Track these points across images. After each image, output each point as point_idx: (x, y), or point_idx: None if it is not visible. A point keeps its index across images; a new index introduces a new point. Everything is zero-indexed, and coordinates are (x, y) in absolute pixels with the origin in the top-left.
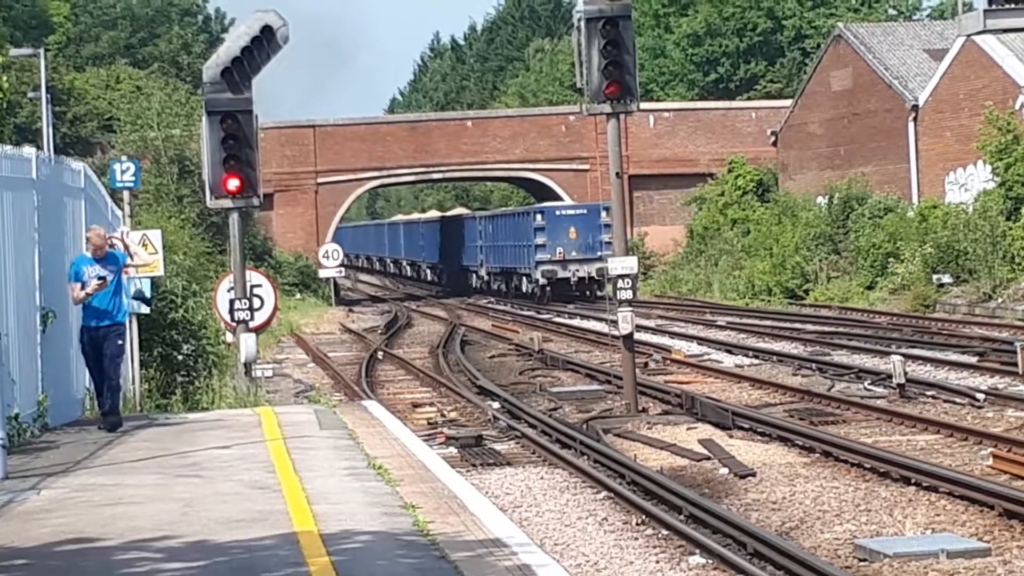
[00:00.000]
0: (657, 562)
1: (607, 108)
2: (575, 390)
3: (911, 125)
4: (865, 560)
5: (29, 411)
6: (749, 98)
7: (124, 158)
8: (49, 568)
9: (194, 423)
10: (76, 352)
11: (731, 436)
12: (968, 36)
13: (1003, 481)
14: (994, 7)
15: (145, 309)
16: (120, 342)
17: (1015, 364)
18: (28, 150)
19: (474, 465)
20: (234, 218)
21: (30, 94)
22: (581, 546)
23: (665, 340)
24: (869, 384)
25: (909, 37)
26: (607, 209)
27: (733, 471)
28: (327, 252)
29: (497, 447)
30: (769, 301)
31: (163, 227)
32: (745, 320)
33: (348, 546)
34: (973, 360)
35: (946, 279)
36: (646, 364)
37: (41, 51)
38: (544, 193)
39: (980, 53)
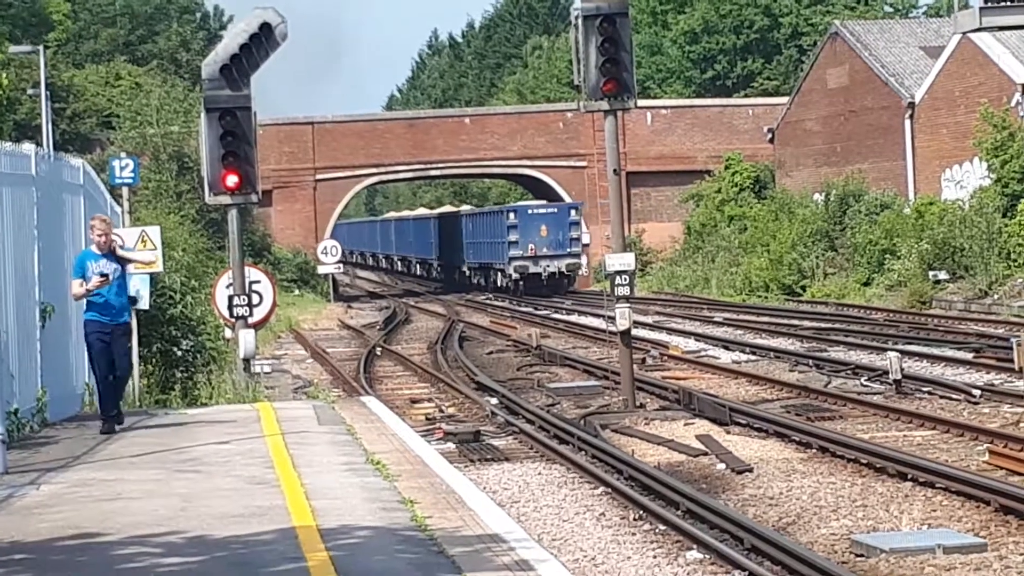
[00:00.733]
0: (654, 557)
1: (604, 105)
2: (573, 386)
3: (907, 122)
4: (862, 555)
5: (28, 406)
6: (746, 95)
7: (123, 155)
8: (49, 563)
9: (193, 419)
10: (75, 347)
11: (728, 432)
12: (964, 34)
13: (999, 477)
14: (990, 5)
15: (143, 304)
16: (128, 343)
17: (1011, 360)
18: (27, 147)
19: (472, 460)
20: (233, 214)
21: (29, 91)
22: (579, 541)
23: (662, 336)
24: (866, 380)
25: (905, 34)
26: (576, 208)
27: (730, 467)
28: (326, 248)
29: (495, 443)
30: (766, 297)
31: (162, 223)
32: (742, 316)
33: (346, 541)
34: (969, 356)
35: (942, 276)
36: (644, 360)
37: (40, 48)
38: (542, 190)
39: (976, 51)
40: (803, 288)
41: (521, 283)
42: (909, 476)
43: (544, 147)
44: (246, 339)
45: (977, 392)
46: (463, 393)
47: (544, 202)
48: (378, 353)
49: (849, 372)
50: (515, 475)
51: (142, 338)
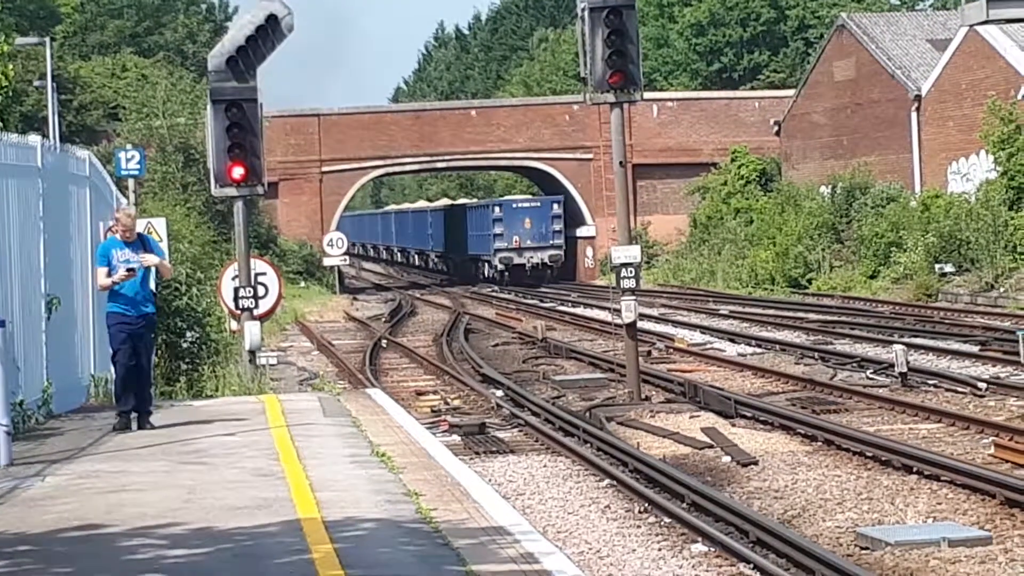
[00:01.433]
0: (659, 550)
1: (611, 97)
2: (578, 378)
3: (914, 115)
4: (867, 548)
5: (34, 398)
6: (752, 88)
7: (129, 146)
8: (53, 554)
9: (198, 410)
10: (81, 339)
11: (734, 424)
12: (971, 26)
13: (1004, 470)
14: None
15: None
16: (151, 334)
17: (1017, 353)
18: (33, 138)
19: (477, 453)
20: (239, 206)
21: (36, 83)
22: (584, 534)
23: (668, 329)
24: (871, 373)
25: (912, 27)
26: (558, 202)
27: (736, 459)
28: (331, 240)
29: (500, 435)
30: (772, 290)
31: (168, 215)
32: (748, 309)
33: (351, 533)
34: (975, 349)
35: (948, 268)
36: (649, 352)
37: (47, 40)
38: (548, 182)
39: (983, 43)
40: (809, 281)
41: (506, 273)
42: (914, 469)
43: (550, 139)
44: (251, 331)
45: (983, 385)
46: (468, 385)
47: (528, 196)
48: (384, 345)
49: (855, 365)
50: (520, 467)
51: None
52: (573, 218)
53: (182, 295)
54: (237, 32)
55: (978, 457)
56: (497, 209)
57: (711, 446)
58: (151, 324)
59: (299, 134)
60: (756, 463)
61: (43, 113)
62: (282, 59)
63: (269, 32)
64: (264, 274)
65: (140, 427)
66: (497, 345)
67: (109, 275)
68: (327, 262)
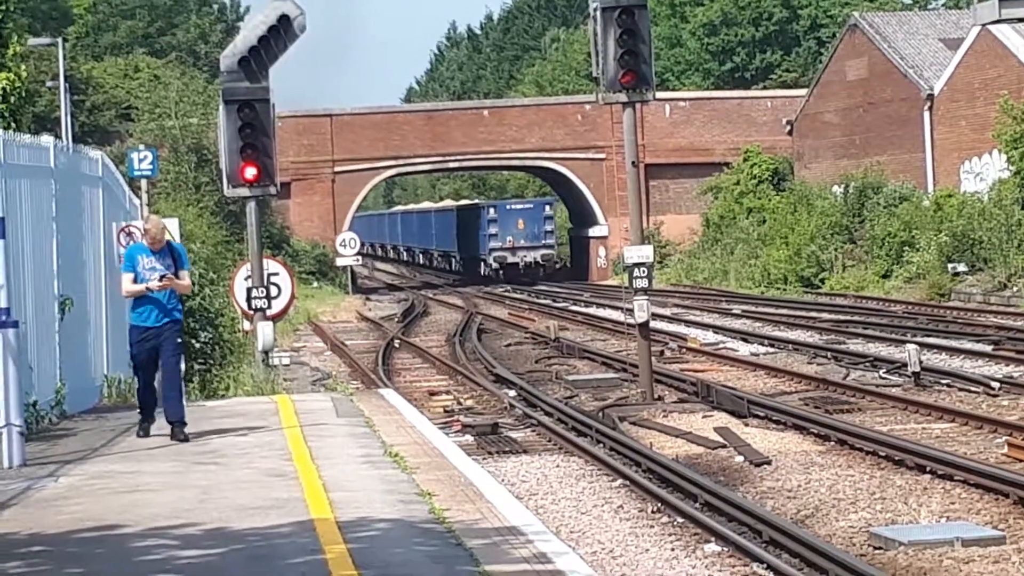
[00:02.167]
0: (672, 550)
1: (623, 97)
2: (591, 378)
3: (926, 114)
4: (880, 548)
5: (47, 398)
6: (765, 87)
7: (142, 147)
8: (67, 555)
9: (211, 411)
10: (94, 339)
11: (746, 424)
12: (983, 25)
13: (1018, 469)
14: None
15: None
16: (179, 340)
17: None
18: (46, 139)
19: (490, 453)
20: (251, 207)
21: (49, 84)
22: (597, 534)
23: (681, 328)
24: (884, 372)
25: (924, 26)
26: (549, 204)
27: (748, 459)
28: (344, 240)
29: (513, 435)
30: (785, 290)
31: (181, 216)
32: (761, 309)
33: (365, 533)
34: (988, 349)
35: (961, 268)
36: (662, 352)
37: (60, 41)
38: (560, 182)
39: (995, 42)
40: (822, 280)
41: (501, 272)
42: (928, 469)
43: (562, 139)
44: (264, 331)
45: (996, 384)
46: (481, 385)
47: (521, 198)
48: (396, 345)
49: (868, 364)
50: (533, 468)
51: None
52: (585, 218)
53: (195, 295)
54: (249, 32)
55: (991, 456)
56: (492, 210)
57: (724, 446)
58: (177, 329)
59: (311, 134)
60: (769, 463)
61: (56, 114)
62: (293, 59)
63: (281, 32)
64: (277, 274)
65: (174, 438)
66: (510, 345)
67: (135, 281)
68: (340, 262)
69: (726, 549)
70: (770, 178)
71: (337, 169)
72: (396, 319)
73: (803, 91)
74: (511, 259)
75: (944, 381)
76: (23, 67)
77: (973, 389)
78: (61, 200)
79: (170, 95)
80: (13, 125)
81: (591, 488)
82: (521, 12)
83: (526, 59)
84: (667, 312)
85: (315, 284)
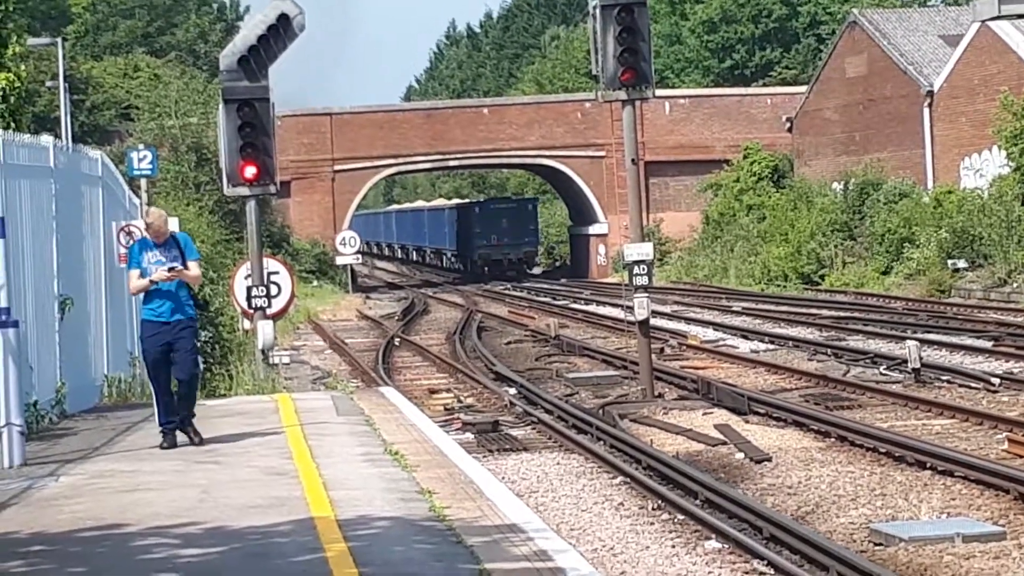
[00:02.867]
0: (673, 547)
1: (622, 95)
2: (591, 376)
3: (926, 111)
4: (881, 544)
5: (47, 398)
6: (764, 84)
7: (141, 146)
8: (68, 554)
9: (211, 410)
10: (94, 339)
11: (747, 421)
12: (983, 22)
13: (1018, 465)
14: None
15: None
16: (193, 339)
17: None
18: (46, 139)
19: (490, 451)
20: (251, 206)
21: (48, 83)
22: (597, 531)
23: (681, 326)
24: (884, 369)
25: (924, 23)
26: (533, 203)
27: (749, 456)
28: (344, 239)
29: (513, 433)
30: (785, 287)
31: (181, 215)
32: (761, 306)
33: (365, 532)
34: (988, 345)
35: (961, 264)
36: (662, 350)
37: (59, 41)
38: (560, 180)
39: (995, 39)
40: (822, 277)
41: (486, 268)
42: (928, 465)
43: (562, 137)
44: (264, 330)
45: (996, 380)
46: (481, 383)
47: (507, 197)
48: (396, 343)
49: (868, 361)
50: (533, 465)
51: None
52: (585, 216)
53: (195, 294)
54: (249, 31)
55: (992, 452)
56: (478, 209)
57: (724, 443)
58: (192, 328)
59: (311, 133)
60: (769, 459)
61: (56, 113)
62: (293, 59)
63: (281, 31)
64: (277, 273)
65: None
66: (510, 343)
67: (141, 277)
68: (340, 261)
69: (727, 546)
70: (770, 175)
71: (337, 168)
72: (396, 317)
73: (803, 88)
74: (496, 256)
75: (944, 377)
76: (23, 67)
77: (973, 385)
78: (61, 200)
79: (170, 94)
80: (13, 125)
81: (591, 485)
82: (521, 10)
83: (526, 57)
84: (667, 309)
85: (315, 283)
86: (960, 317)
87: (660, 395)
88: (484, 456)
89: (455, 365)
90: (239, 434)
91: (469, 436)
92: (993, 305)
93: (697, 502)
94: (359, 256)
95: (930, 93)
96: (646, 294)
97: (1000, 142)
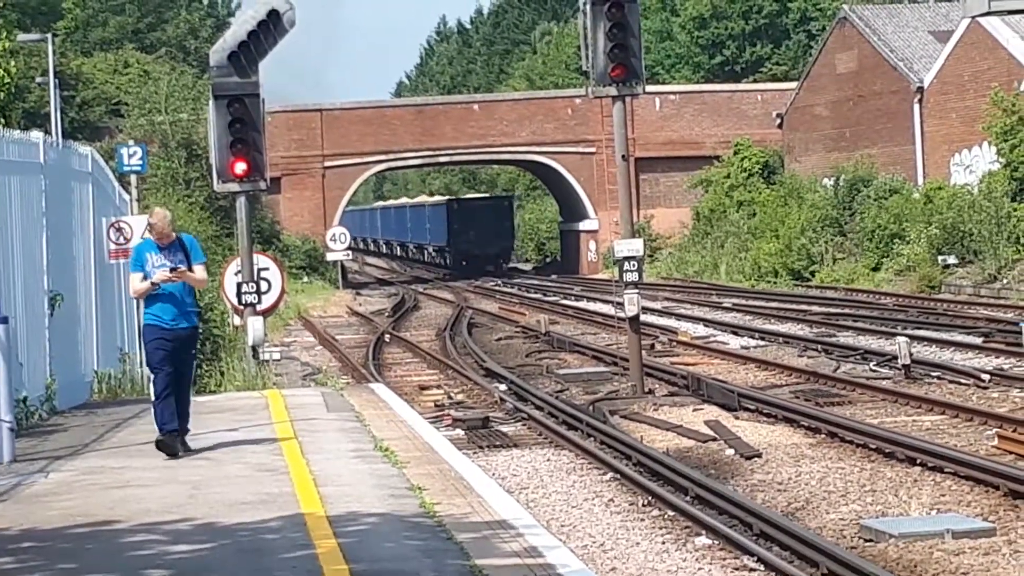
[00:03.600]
0: (663, 543)
1: (613, 91)
2: (581, 372)
3: (916, 107)
4: (871, 540)
5: (37, 394)
6: (755, 80)
7: (131, 142)
8: (57, 551)
9: (202, 406)
10: (84, 335)
11: (737, 417)
12: (973, 18)
13: (1008, 461)
14: None
15: None
16: (193, 350)
17: (1020, 345)
18: (36, 135)
19: (481, 447)
20: (241, 202)
21: (38, 79)
22: (587, 527)
23: (671, 322)
24: (875, 365)
25: (914, 19)
26: (508, 200)
27: (739, 452)
28: (334, 235)
29: (504, 429)
30: (775, 283)
31: (171, 211)
32: (751, 302)
33: (355, 528)
34: (978, 341)
35: (951, 260)
36: (652, 346)
37: (49, 36)
38: (550, 176)
39: (985, 35)
40: (812, 273)
41: (464, 263)
42: (918, 461)
43: (553, 133)
44: (254, 326)
45: (986, 377)
46: (472, 380)
47: (484, 195)
48: (387, 340)
49: (858, 357)
50: (524, 461)
51: None
52: (575, 212)
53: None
54: (239, 27)
55: (982, 449)
56: (456, 207)
57: (715, 439)
58: (194, 337)
59: (301, 129)
60: (760, 456)
61: (45, 110)
62: (283, 54)
63: (271, 27)
64: (267, 269)
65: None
66: (500, 339)
67: (144, 280)
68: (330, 257)
69: (717, 542)
70: (760, 171)
71: (327, 164)
72: (387, 314)
73: (793, 84)
74: (474, 251)
75: (934, 373)
76: (12, 63)
77: (963, 381)
78: (51, 196)
79: (160, 90)
80: (2, 121)
81: (582, 482)
82: (511, 6)
83: (516, 53)
84: (657, 306)
85: (305, 279)
86: (950, 313)
87: (650, 391)
88: (474, 452)
89: (445, 361)
90: (229, 430)
91: (459, 432)
92: (983, 301)
93: (687, 498)
94: (349, 252)
95: (920, 89)
96: (636, 290)
97: (990, 138)
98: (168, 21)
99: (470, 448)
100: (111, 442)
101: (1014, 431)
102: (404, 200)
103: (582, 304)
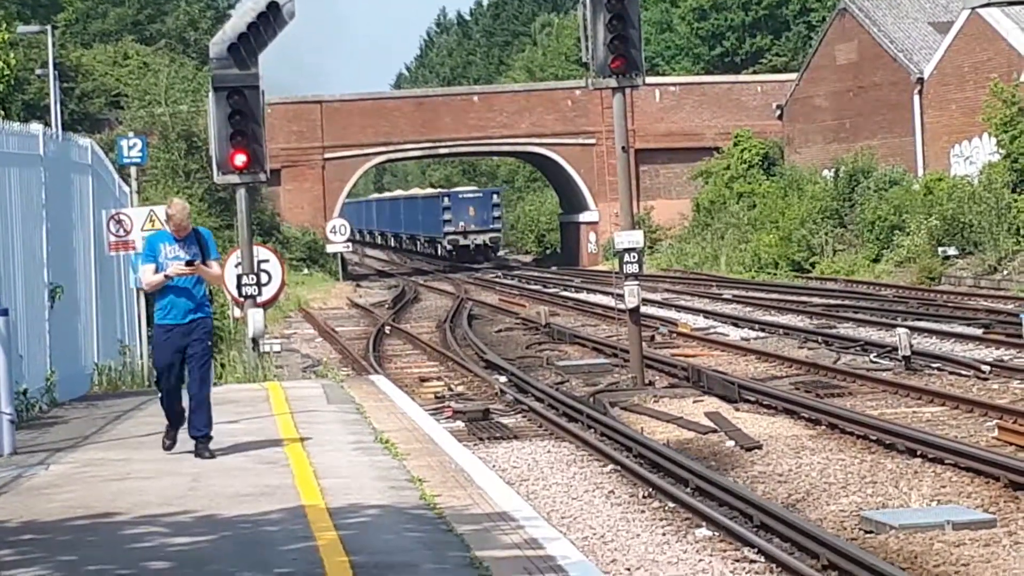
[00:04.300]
0: (664, 534)
1: (613, 82)
2: (582, 364)
3: (916, 98)
4: (871, 532)
5: (37, 386)
6: (755, 72)
7: (131, 134)
8: (58, 543)
9: None
10: (84, 327)
11: (737, 409)
12: (973, 9)
13: (1008, 452)
14: None
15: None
16: (208, 343)
17: (1020, 336)
18: (35, 127)
19: (481, 439)
20: (241, 194)
21: (38, 71)
22: (588, 519)
23: (672, 313)
24: (875, 356)
25: (914, 10)
26: (497, 193)
27: (739, 444)
28: (334, 227)
29: (504, 421)
30: (775, 274)
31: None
32: (751, 293)
33: (355, 520)
34: (978, 332)
35: (951, 251)
36: (652, 337)
37: (49, 28)
38: (550, 167)
39: (985, 26)
40: (812, 265)
41: (454, 252)
42: (918, 452)
43: (553, 125)
44: (255, 318)
45: (986, 368)
46: (472, 371)
47: (473, 188)
48: (387, 332)
49: (858, 349)
50: (524, 453)
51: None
52: (575, 203)
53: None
54: (239, 19)
55: (982, 440)
56: (446, 199)
57: (715, 431)
58: (208, 328)
59: (301, 121)
60: (760, 447)
61: (45, 102)
62: (283, 46)
63: (270, 19)
64: (267, 261)
65: (199, 455)
66: (500, 331)
67: (157, 272)
68: (330, 249)
69: (717, 534)
70: (760, 163)
71: (327, 155)
72: (387, 305)
73: (793, 75)
74: (463, 241)
75: (935, 365)
76: (12, 55)
77: (963, 373)
78: (51, 188)
79: (160, 82)
80: (2, 113)
81: (582, 473)
82: None
83: (516, 45)
84: (658, 297)
85: (305, 271)
86: (950, 304)
87: (651, 383)
88: (475, 444)
89: (446, 353)
90: (229, 422)
91: (460, 424)
92: (983, 292)
93: (688, 490)
94: (349, 244)
95: (920, 80)
96: (636, 282)
97: (990, 129)
98: (168, 13)
99: (470, 440)
100: (111, 434)
101: (1014, 422)
102: (399, 192)
103: (582, 296)
